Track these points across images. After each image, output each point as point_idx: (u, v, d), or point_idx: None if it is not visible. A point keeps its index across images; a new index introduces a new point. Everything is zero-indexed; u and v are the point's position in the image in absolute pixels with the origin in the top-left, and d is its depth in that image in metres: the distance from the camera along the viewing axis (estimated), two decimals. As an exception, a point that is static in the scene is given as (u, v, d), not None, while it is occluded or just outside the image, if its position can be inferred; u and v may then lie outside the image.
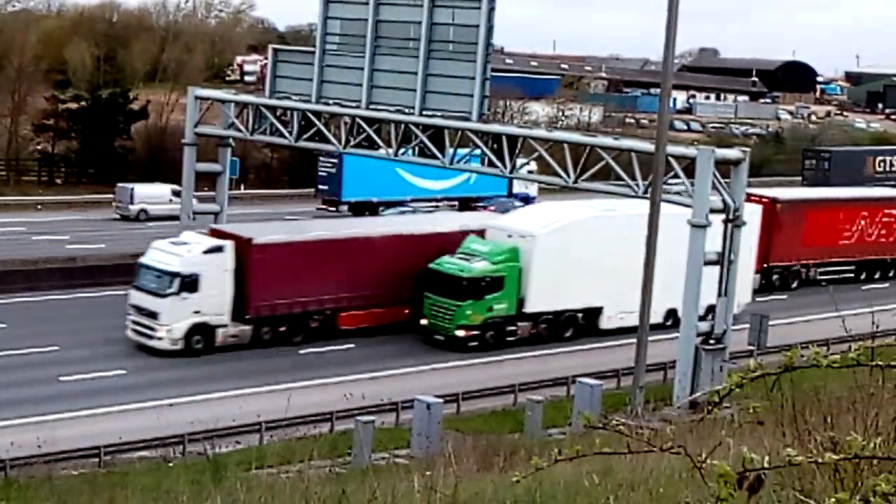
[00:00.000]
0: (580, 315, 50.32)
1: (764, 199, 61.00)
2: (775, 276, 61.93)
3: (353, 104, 53.94)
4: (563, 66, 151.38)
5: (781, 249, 61.12)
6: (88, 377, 44.86)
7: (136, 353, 49.24)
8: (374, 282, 48.74)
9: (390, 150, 54.27)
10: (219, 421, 38.09)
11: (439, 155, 52.26)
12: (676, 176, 46.40)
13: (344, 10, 55.21)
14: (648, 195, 44.32)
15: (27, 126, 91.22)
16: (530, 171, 57.85)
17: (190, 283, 45.63)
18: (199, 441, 36.51)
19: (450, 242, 49.89)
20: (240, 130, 60.31)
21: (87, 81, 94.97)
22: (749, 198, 54.15)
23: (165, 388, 44.23)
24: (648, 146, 46.61)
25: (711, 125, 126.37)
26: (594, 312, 50.55)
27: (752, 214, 52.42)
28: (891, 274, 66.97)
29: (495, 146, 50.36)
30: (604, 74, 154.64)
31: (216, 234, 50.04)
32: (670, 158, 44.83)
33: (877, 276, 66.28)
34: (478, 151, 52.13)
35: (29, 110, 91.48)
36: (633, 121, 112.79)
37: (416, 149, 53.63)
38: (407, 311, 49.53)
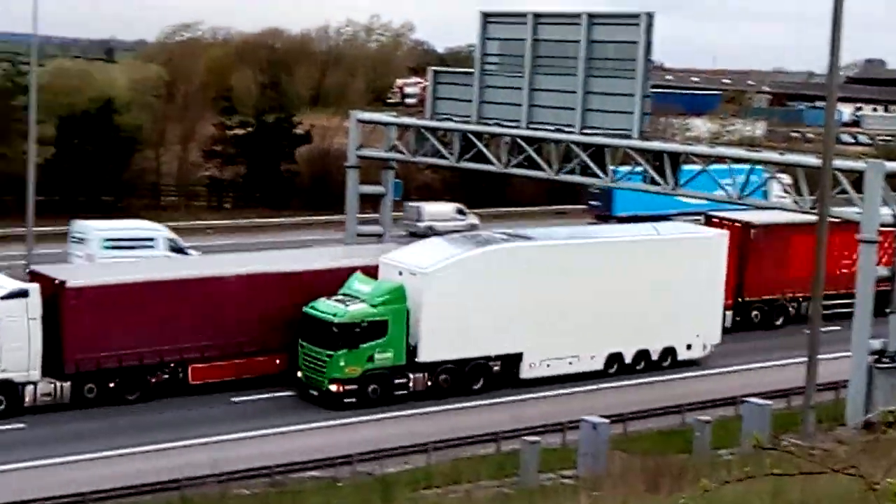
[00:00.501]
0: (495, 363, 45.21)
1: (735, 224, 56.39)
2: (754, 313, 56.48)
3: (514, 124, 55.53)
4: (724, 80, 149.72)
5: (761, 281, 55.97)
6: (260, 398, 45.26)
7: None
8: (232, 329, 44.11)
9: (550, 171, 55.41)
10: (386, 442, 39.48)
11: (601, 174, 53.21)
12: (844, 191, 45.61)
13: (502, 31, 57.34)
14: (815, 211, 43.36)
15: (196, 152, 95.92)
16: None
17: None
18: (368, 461, 37.72)
19: (338, 280, 45.13)
20: (401, 152, 62.44)
21: (253, 107, 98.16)
22: (716, 222, 56.40)
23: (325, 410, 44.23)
24: (815, 161, 46.52)
25: (880, 138, 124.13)
26: (513, 360, 45.68)
27: (717, 242, 50.99)
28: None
29: (657, 163, 51.16)
30: (767, 88, 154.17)
31: (32, 276, 44.93)
32: (837, 173, 44.23)
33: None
34: (639, 169, 52.70)
35: (198, 137, 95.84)
36: (798, 135, 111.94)
37: (578, 168, 54.46)
38: (279, 362, 44.88)
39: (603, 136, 52.32)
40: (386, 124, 64.80)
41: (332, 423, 40.33)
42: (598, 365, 46.58)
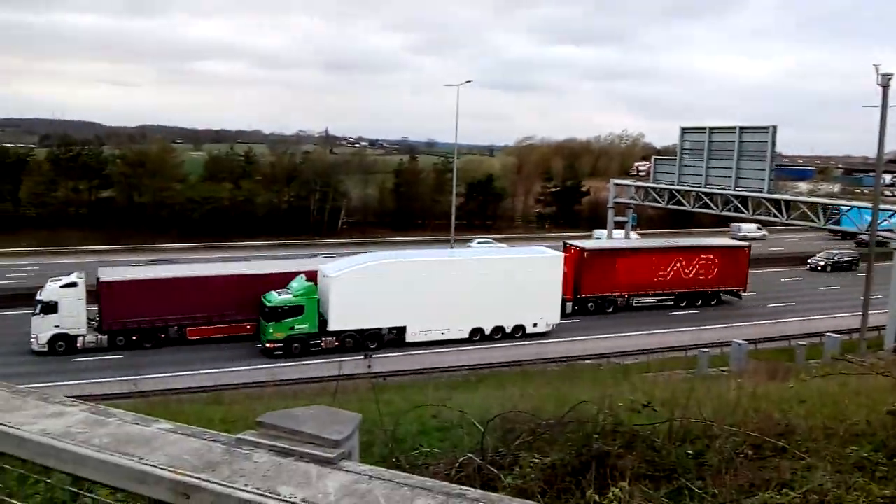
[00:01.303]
0: (387, 332, 40.49)
1: (573, 249, 51.08)
2: (590, 304, 49.70)
3: (697, 185, 56.04)
4: (816, 161, 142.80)
5: (593, 284, 49.48)
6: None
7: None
8: (217, 306, 39.62)
9: (717, 209, 55.51)
10: (624, 348, 39.99)
11: (745, 211, 53.49)
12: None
13: (692, 136, 57.26)
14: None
15: (531, 200, 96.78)
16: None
17: (50, 307, 37.80)
18: (617, 356, 37.80)
19: (289, 280, 40.51)
20: (635, 199, 63.73)
21: (560, 177, 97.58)
22: (568, 247, 50.86)
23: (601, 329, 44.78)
24: (869, 204, 44.87)
25: None
26: (400, 330, 40.75)
27: (555, 259, 45.38)
28: (713, 302, 52.68)
29: (777, 206, 51.21)
30: (841, 165, 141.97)
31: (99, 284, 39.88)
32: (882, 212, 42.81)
33: (698, 303, 52.19)
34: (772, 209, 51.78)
35: (532, 192, 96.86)
36: (859, 191, 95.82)
37: (732, 208, 53.89)
38: (249, 327, 40.21)
39: (746, 191, 52.60)
40: (628, 185, 66.76)
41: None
42: (465, 335, 41.62)
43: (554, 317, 44.65)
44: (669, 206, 61.71)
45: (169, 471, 1.48)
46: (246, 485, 1.44)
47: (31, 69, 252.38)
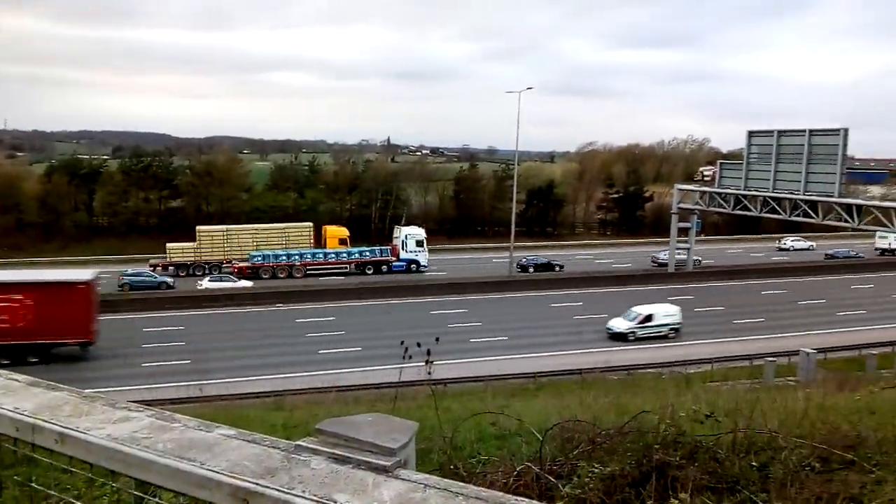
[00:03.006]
0: None
1: None
2: None
3: (764, 190, 55.71)
4: (891, 164, 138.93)
5: None
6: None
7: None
8: None
9: (785, 214, 55.15)
10: (691, 356, 38.47)
11: (814, 217, 53.11)
12: None
13: (759, 139, 57.29)
14: None
15: (593, 206, 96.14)
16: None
17: None
18: (680, 365, 36.27)
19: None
20: (699, 205, 63.79)
21: (623, 183, 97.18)
22: None
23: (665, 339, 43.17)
24: None
25: None
26: None
27: None
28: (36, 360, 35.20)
29: (847, 210, 50.61)
30: None
31: None
32: None
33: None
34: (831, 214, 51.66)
35: (594, 198, 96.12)
36: None
37: (801, 213, 53.65)
38: None
39: (816, 195, 52.14)
40: (694, 191, 66.35)
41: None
42: None
43: None
44: (735, 212, 61.52)
45: (229, 476, 1.52)
46: (303, 491, 1.46)
47: (108, 83, 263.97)
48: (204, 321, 46.59)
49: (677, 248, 64.98)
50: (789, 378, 31.31)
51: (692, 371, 35.01)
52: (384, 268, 65.10)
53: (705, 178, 78.86)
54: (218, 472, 1.54)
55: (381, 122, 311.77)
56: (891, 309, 52.12)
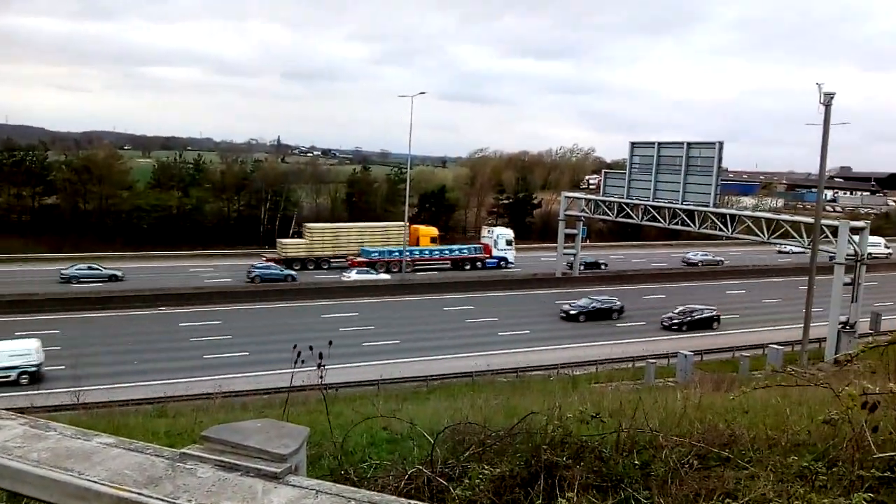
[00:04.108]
0: None
1: None
2: None
3: (645, 198, 57.08)
4: (761, 177, 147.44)
5: None
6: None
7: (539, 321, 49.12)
8: None
9: (664, 223, 56.74)
10: (578, 358, 39.79)
11: (692, 225, 54.78)
12: (827, 237, 44.70)
13: (641, 150, 58.60)
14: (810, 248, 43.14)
15: (483, 212, 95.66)
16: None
17: None
18: (567, 367, 37.79)
19: None
20: (585, 212, 64.97)
21: (512, 189, 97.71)
22: None
23: (555, 341, 44.59)
24: (811, 220, 45.52)
25: (848, 209, 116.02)
26: None
27: None
28: None
29: (722, 220, 52.21)
30: (784, 181, 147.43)
31: None
32: (823, 226, 44.45)
33: None
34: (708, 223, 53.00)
35: (484, 204, 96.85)
36: (801, 206, 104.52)
37: (680, 221, 55.42)
38: None
39: (693, 205, 53.69)
40: (579, 198, 67.79)
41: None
42: None
43: None
44: (618, 220, 63.13)
45: (110, 486, 1.44)
46: (189, 500, 1.41)
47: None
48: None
49: (565, 255, 66.35)
50: (669, 379, 32.25)
51: (578, 373, 35.89)
52: (479, 264, 71.40)
53: (591, 187, 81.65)
54: (97, 482, 1.46)
55: (271, 122, 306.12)
56: (762, 313, 54.78)
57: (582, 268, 68.52)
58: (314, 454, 4.74)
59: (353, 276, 62.23)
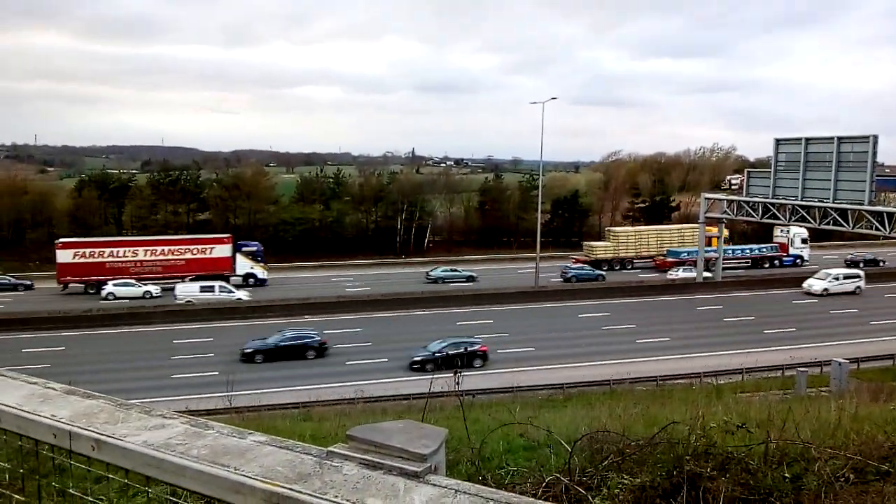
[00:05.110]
0: None
1: None
2: None
3: (793, 198, 55.01)
4: None
5: None
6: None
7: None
8: None
9: (815, 223, 54.68)
10: (718, 367, 37.69)
11: (845, 225, 52.54)
12: None
13: (787, 147, 56.55)
14: None
15: (619, 216, 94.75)
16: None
17: None
18: (710, 376, 35.80)
19: None
20: (727, 213, 63.35)
21: (649, 192, 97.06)
22: None
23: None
24: None
25: None
26: None
27: None
28: None
29: (879, 219, 49.73)
30: None
31: None
32: None
33: None
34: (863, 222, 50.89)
35: (620, 208, 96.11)
36: None
37: (831, 221, 52.79)
38: None
39: (846, 203, 51.69)
40: (721, 199, 65.89)
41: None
42: None
43: None
44: (764, 220, 61.04)
45: (262, 481, 1.53)
46: (336, 496, 1.47)
47: (136, 99, 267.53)
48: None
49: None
50: (822, 388, 30.05)
51: (722, 382, 34.50)
52: (776, 262, 75.90)
53: (732, 187, 78.85)
54: (251, 477, 1.55)
55: (406, 135, 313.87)
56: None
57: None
58: (451, 460, 4.79)
59: (679, 273, 68.69)
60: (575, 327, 49.10)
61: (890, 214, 50.38)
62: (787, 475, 3.93)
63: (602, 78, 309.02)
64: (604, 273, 69.17)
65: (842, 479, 3.84)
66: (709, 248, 68.39)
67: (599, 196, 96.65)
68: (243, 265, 64.76)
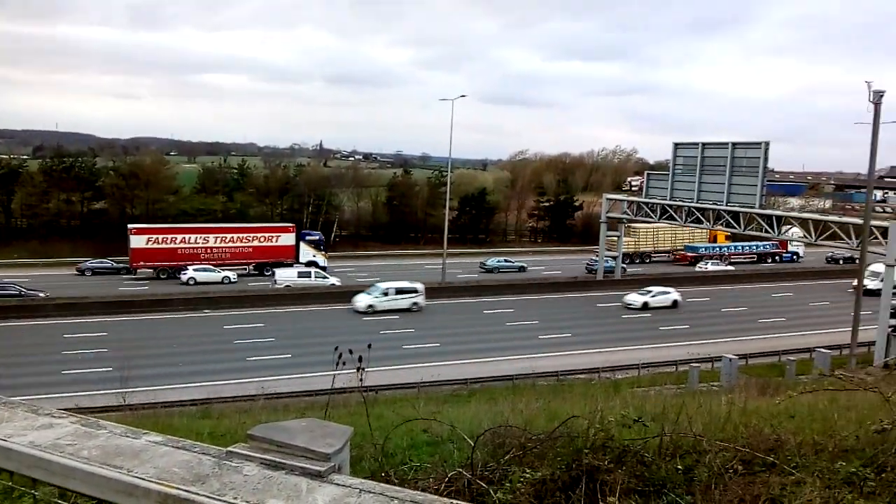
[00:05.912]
0: None
1: None
2: None
3: (689, 200, 56.35)
4: (808, 177, 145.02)
5: None
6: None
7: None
8: None
9: (710, 223, 56.51)
10: (617, 362, 38.61)
11: (737, 227, 54.33)
12: (876, 238, 43.69)
13: (685, 152, 57.75)
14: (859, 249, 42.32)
15: (524, 215, 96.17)
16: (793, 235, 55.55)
17: None
18: (608, 371, 36.84)
19: None
20: (627, 214, 64.41)
21: (553, 191, 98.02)
22: None
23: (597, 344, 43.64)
24: (860, 220, 44.86)
25: None
26: None
27: None
28: None
29: (768, 221, 51.63)
30: (833, 182, 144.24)
31: None
32: (872, 227, 43.53)
33: None
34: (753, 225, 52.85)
35: (525, 207, 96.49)
36: (850, 207, 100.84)
37: (724, 223, 55.02)
38: None
39: (738, 206, 53.07)
40: (621, 200, 67.21)
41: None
42: None
43: None
44: (661, 222, 62.82)
45: (157, 483, 1.48)
46: (235, 498, 1.43)
47: (33, 81, 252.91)
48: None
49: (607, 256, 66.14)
50: (713, 383, 31.59)
51: (620, 377, 35.33)
52: (777, 258, 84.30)
53: (633, 188, 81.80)
54: (145, 479, 1.50)
55: (316, 127, 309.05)
56: (810, 316, 53.70)
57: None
58: (355, 456, 4.70)
59: (708, 266, 74.30)
60: (483, 323, 49.44)
61: (779, 218, 52.73)
62: (679, 467, 4.03)
63: (514, 77, 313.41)
64: (624, 266, 70.32)
65: (731, 471, 3.94)
66: (715, 245, 78.65)
67: (506, 194, 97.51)
68: (306, 253, 67.28)
